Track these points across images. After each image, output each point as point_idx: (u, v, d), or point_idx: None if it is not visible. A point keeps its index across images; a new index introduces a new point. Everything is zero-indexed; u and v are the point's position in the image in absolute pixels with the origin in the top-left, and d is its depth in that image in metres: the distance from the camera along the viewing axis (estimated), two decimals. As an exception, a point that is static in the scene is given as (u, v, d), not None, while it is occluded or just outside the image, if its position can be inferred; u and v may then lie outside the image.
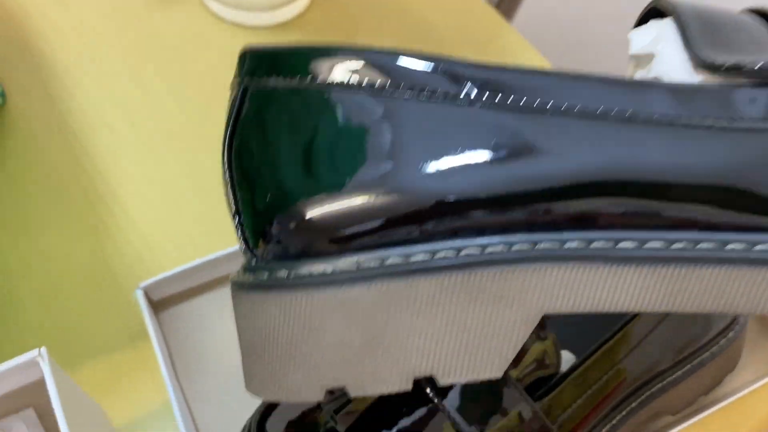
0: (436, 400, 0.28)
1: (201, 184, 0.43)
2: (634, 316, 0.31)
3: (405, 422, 0.28)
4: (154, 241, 0.40)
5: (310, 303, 0.19)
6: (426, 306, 0.19)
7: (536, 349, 0.29)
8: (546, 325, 0.29)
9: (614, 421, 0.32)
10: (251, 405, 0.34)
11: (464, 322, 0.19)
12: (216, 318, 0.38)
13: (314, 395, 0.20)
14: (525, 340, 0.20)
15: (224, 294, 0.39)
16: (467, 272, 0.19)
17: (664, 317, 0.31)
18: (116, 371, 0.36)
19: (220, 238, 0.41)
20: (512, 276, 0.19)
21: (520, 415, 0.28)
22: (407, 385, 0.20)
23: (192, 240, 0.41)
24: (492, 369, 0.20)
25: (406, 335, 0.19)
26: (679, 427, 0.35)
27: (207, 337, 0.37)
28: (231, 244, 0.39)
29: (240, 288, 0.21)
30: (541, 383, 0.29)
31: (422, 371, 0.20)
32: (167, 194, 0.42)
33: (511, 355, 0.20)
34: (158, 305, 0.38)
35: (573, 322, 0.36)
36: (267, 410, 0.30)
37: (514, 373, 0.28)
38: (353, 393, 0.20)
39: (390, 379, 0.20)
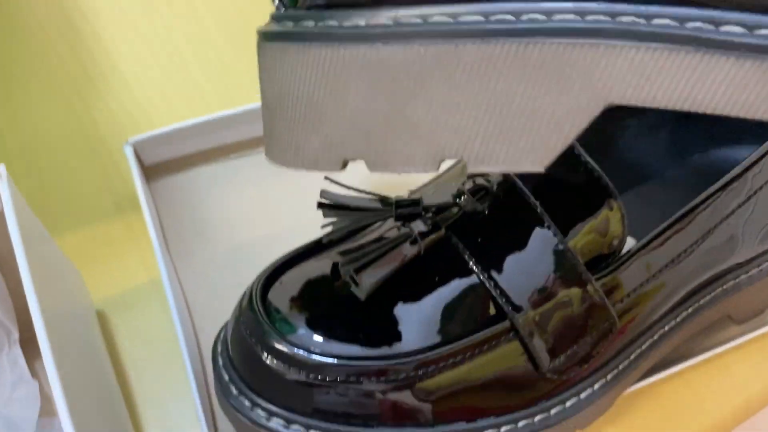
0: (476, 269, 0.23)
1: (201, 39, 0.38)
2: (711, 195, 0.26)
3: (439, 295, 0.24)
4: (147, 101, 0.35)
5: (335, 59, 0.15)
6: (468, 77, 0.15)
7: (602, 216, 0.24)
8: (615, 193, 0.24)
9: (678, 319, 0.27)
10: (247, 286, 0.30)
11: (511, 100, 0.16)
12: (215, 192, 0.33)
13: (332, 165, 0.17)
14: (578, 132, 0.16)
15: (225, 167, 0.34)
16: (526, 40, 0.15)
17: (752, 195, 0.26)
18: (99, 240, 0.32)
19: (221, 99, 0.36)
20: (580, 51, 0.15)
21: (579, 294, 0.24)
22: (433, 167, 0.17)
23: (189, 102, 0.36)
24: (534, 160, 0.16)
25: (439, 108, 0.16)
26: (740, 340, 0.30)
27: (204, 211, 0.32)
28: (234, 105, 0.34)
29: (264, 38, 0.17)
30: (600, 262, 0.25)
31: (452, 153, 0.17)
32: (162, 51, 0.37)
33: (559, 148, 0.16)
34: (150, 171, 0.33)
35: (637, 204, 0.31)
36: (270, 279, 0.25)
37: (574, 245, 0.24)
38: (372, 169, 0.17)
39: (415, 156, 0.17)
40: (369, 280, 0.22)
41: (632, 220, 0.30)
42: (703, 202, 0.26)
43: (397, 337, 0.23)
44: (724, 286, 0.28)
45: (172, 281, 0.29)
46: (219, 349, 0.25)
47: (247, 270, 0.31)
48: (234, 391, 0.23)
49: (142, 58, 0.37)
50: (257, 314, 0.23)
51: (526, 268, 0.23)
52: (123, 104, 0.35)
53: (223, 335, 0.25)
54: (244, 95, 0.36)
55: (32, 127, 0.34)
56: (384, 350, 0.23)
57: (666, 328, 0.27)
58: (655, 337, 0.26)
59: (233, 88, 0.37)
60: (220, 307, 0.30)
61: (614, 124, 0.31)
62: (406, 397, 0.23)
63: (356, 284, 0.22)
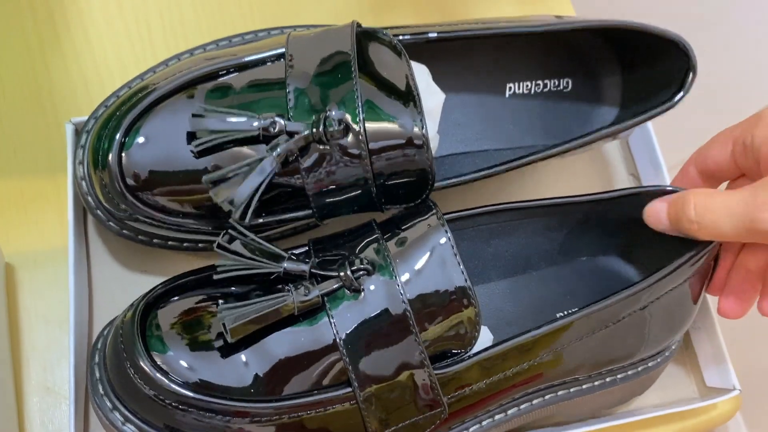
0: (338, 340, 0.26)
1: (172, 19, 0.39)
2: (567, 325, 0.29)
3: (299, 354, 0.26)
4: (107, 71, 0.37)
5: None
6: None
7: (456, 317, 0.27)
8: (473, 295, 0.27)
9: (509, 413, 0.31)
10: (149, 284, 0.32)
11: None
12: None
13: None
14: None
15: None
16: None
17: (595, 330, 0.30)
18: (24, 196, 0.34)
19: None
20: None
21: (418, 380, 0.27)
22: None
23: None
24: None
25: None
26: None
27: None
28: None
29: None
30: (448, 355, 0.28)
31: None
32: (136, 28, 0.38)
33: None
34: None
35: (515, 291, 0.34)
36: (157, 299, 0.28)
37: (424, 336, 0.27)
38: None
39: None
40: (237, 329, 0.25)
41: (505, 306, 0.33)
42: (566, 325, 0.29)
43: (254, 383, 0.26)
44: (559, 393, 0.31)
45: (79, 255, 0.31)
46: (99, 346, 0.27)
47: (153, 266, 0.33)
48: (101, 390, 0.26)
49: (114, 26, 0.38)
50: (134, 328, 0.26)
51: (379, 349, 0.26)
52: (83, 71, 0.36)
53: (105, 335, 0.28)
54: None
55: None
56: (238, 394, 0.26)
57: (495, 418, 0.30)
58: (483, 424, 0.30)
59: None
60: (120, 290, 0.32)
61: (512, 222, 0.34)
62: (248, 435, 0.26)
63: (227, 332, 0.25)
